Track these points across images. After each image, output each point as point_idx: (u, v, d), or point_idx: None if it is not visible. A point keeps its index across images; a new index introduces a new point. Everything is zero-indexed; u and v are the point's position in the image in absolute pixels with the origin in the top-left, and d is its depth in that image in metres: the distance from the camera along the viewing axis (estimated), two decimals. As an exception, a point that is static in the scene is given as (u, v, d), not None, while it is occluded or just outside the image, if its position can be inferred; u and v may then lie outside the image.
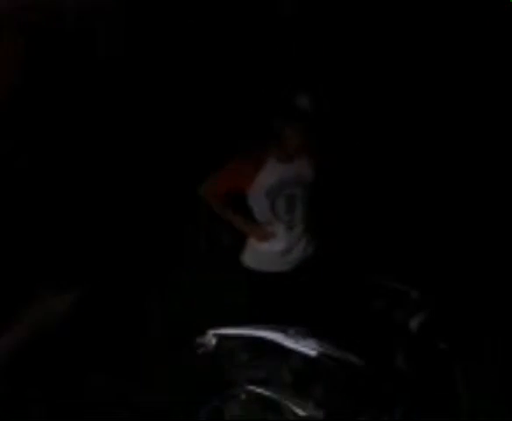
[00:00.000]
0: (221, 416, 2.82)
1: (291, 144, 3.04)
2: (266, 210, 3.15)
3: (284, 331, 2.90)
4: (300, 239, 3.25)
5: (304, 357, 2.83)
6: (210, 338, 2.97)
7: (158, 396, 3.05)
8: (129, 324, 3.47)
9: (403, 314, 3.16)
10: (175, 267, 3.76)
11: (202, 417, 2.86)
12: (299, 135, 3.01)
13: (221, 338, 2.96)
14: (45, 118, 3.67)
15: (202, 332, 2.99)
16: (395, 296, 3.21)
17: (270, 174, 3.09)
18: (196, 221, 3.76)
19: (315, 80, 3.72)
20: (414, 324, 3.12)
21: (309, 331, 2.91)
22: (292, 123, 2.99)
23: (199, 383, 3.01)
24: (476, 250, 3.64)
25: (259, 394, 2.77)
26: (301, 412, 2.64)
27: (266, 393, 2.75)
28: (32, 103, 3.62)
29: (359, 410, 2.68)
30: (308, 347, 2.85)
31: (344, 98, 4.00)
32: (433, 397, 2.74)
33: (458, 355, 2.57)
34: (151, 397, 3.07)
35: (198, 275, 3.73)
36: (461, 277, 3.46)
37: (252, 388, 2.79)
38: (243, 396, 2.78)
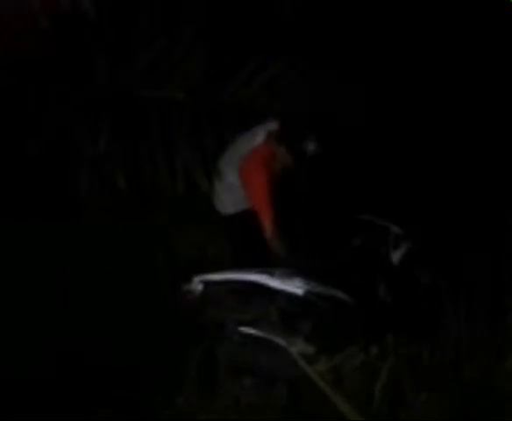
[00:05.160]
0: (213, 358, 2.94)
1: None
2: None
3: (270, 273, 3.02)
4: None
5: (291, 296, 2.96)
6: (197, 284, 3.08)
7: (147, 343, 3.14)
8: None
9: (385, 248, 3.30)
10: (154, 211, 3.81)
11: (194, 359, 2.97)
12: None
13: (207, 283, 3.07)
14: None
15: (188, 280, 3.09)
16: (377, 231, 3.34)
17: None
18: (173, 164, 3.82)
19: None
20: (396, 257, 3.27)
21: (294, 271, 3.03)
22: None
23: (188, 329, 3.11)
24: (457, 183, 3.77)
25: (250, 334, 2.89)
26: (292, 349, 2.77)
27: (257, 333, 2.87)
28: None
29: (347, 343, 2.82)
30: (294, 286, 2.98)
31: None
32: (417, 327, 2.90)
33: (445, 287, 2.72)
34: (138, 345, 3.16)
35: (180, 223, 3.79)
36: (442, 210, 3.59)
37: (242, 329, 2.91)
38: (235, 338, 2.90)
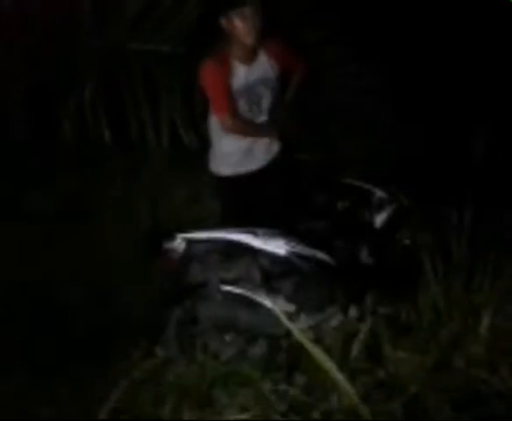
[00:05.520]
0: (194, 315, 2.98)
1: (246, 37, 3.05)
2: None
3: (253, 233, 3.05)
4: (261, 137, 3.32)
5: (273, 256, 2.99)
6: (179, 242, 3.10)
7: (130, 302, 3.17)
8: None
9: (368, 212, 3.33)
10: (137, 167, 3.78)
11: (174, 317, 3.00)
12: (249, 25, 3.02)
13: (190, 241, 3.09)
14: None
15: (171, 237, 3.10)
16: (360, 194, 3.37)
17: (238, 79, 3.15)
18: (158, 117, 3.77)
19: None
20: (378, 220, 3.31)
21: (277, 232, 3.06)
22: (236, 8, 3.00)
23: (169, 286, 3.13)
24: (442, 149, 3.79)
25: (231, 292, 2.92)
26: (272, 307, 2.80)
27: (238, 291, 2.91)
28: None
29: (328, 302, 2.87)
30: (276, 247, 3.01)
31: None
32: (396, 288, 2.94)
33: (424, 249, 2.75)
34: (121, 302, 3.19)
35: (163, 178, 3.77)
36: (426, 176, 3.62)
37: (224, 287, 2.94)
38: (217, 296, 2.93)
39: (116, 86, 3.71)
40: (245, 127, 3.24)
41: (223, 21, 3.07)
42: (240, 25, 3.03)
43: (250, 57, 3.16)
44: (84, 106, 3.72)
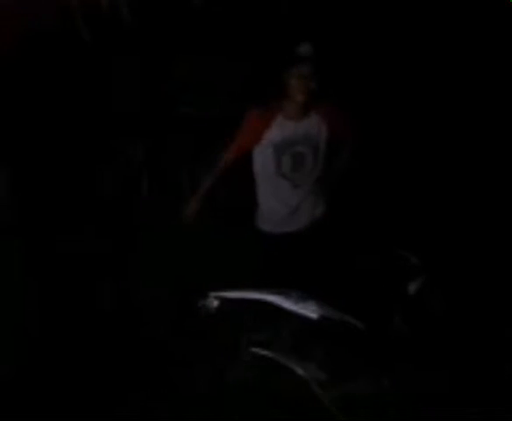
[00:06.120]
0: (223, 377, 2.96)
1: (297, 94, 3.10)
2: (271, 164, 3.23)
3: (285, 294, 3.03)
4: (306, 199, 3.33)
5: (305, 320, 2.97)
6: (212, 300, 3.10)
7: (160, 359, 3.17)
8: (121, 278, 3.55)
9: (402, 278, 3.31)
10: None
11: (202, 378, 2.99)
12: (303, 83, 3.07)
13: (222, 300, 3.09)
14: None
15: (204, 294, 3.11)
16: (395, 261, 3.35)
17: (277, 131, 3.19)
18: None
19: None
20: (412, 288, 3.28)
21: (309, 295, 3.04)
22: (293, 68, 3.06)
23: (200, 346, 3.13)
24: (474, 216, 3.77)
25: (261, 356, 2.90)
26: (303, 373, 2.78)
27: (269, 355, 2.88)
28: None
29: (359, 371, 2.83)
30: (308, 310, 2.98)
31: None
32: (430, 357, 2.90)
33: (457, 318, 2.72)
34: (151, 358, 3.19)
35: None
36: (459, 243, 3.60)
37: (254, 350, 2.92)
38: (246, 358, 2.91)
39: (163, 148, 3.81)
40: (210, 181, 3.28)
41: (284, 76, 3.14)
42: (295, 83, 3.10)
43: (299, 115, 3.19)
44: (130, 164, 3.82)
